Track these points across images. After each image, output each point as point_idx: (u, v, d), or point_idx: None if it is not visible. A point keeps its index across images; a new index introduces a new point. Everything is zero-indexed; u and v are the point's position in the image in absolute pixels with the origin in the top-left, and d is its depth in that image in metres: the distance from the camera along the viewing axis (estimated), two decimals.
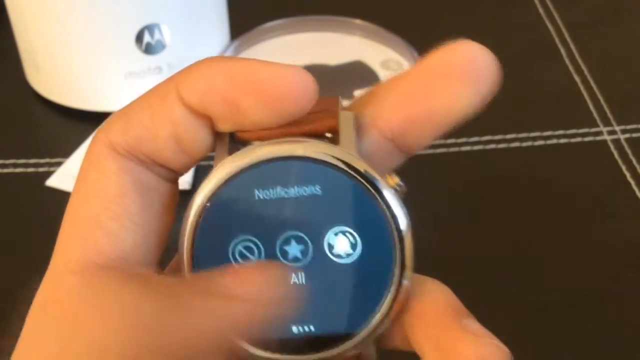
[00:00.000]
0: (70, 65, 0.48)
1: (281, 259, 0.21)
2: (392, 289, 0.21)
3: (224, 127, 0.22)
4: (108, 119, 0.23)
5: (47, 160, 0.47)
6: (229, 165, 0.21)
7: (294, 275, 0.21)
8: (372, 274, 0.21)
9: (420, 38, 0.51)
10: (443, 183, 0.46)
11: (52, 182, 0.46)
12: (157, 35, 0.47)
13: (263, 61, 0.21)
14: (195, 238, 0.21)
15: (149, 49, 0.47)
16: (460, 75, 0.21)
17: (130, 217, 0.22)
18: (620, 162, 0.47)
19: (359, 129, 0.22)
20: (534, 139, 0.48)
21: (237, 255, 0.21)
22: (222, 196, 0.21)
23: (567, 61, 0.54)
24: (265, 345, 0.21)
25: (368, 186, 0.21)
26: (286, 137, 0.21)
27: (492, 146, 0.48)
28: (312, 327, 0.21)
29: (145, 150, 0.22)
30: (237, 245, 0.21)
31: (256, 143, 0.21)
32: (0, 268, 0.41)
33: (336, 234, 0.21)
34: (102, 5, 0.45)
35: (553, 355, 0.38)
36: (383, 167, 0.22)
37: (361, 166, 0.21)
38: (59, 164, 0.47)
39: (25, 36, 0.48)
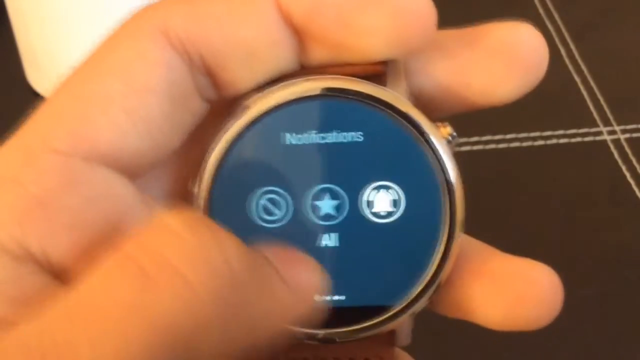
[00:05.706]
0: (71, 65, 0.48)
1: (311, 215, 0.18)
2: (437, 257, 0.18)
3: (321, 52, 0.18)
4: (166, 0, 0.19)
5: None
6: (256, 104, 0.18)
7: (325, 235, 0.18)
8: (415, 237, 0.18)
9: None
10: None
11: None
12: None
13: None
14: (213, 188, 0.18)
15: None
16: (522, 65, 0.19)
17: (148, 120, 0.18)
18: (620, 162, 0.47)
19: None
20: (534, 139, 0.48)
21: (260, 210, 0.18)
22: (246, 140, 0.18)
23: (567, 61, 0.54)
24: None
25: (416, 133, 0.18)
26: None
27: (492, 146, 0.48)
28: (342, 298, 0.18)
29: (205, 50, 0.18)
30: (261, 198, 0.18)
31: (289, 80, 0.18)
32: None
33: (377, 189, 0.18)
34: (102, 6, 0.45)
35: (553, 356, 0.38)
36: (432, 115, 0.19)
37: (409, 109, 0.18)
38: None
39: (25, 36, 0.48)
